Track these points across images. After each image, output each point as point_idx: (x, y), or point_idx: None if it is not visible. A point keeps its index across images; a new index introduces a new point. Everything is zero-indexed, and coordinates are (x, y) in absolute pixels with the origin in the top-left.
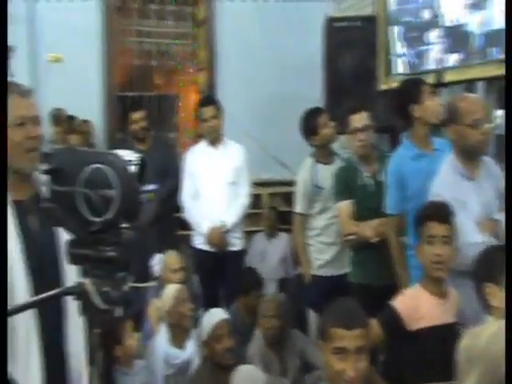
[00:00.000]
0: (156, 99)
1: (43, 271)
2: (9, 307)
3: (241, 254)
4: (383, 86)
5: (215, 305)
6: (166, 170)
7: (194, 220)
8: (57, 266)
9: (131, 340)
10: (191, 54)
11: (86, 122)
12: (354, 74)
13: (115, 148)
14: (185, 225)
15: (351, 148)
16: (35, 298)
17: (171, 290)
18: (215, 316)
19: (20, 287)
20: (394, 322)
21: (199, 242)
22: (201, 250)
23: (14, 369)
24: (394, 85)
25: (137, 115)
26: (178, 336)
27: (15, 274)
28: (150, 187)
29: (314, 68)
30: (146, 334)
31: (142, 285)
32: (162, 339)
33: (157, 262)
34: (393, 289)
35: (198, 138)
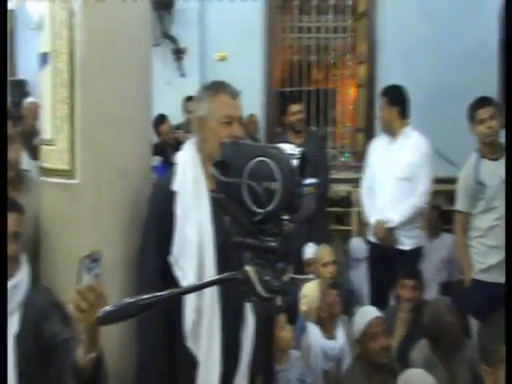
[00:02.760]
0: (314, 93)
1: (230, 255)
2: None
3: (411, 254)
4: None
5: (382, 301)
6: (317, 165)
7: (367, 212)
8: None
9: (285, 332)
10: (351, 47)
11: (251, 115)
12: None
13: (274, 141)
14: (340, 219)
15: None
16: (202, 282)
17: (314, 287)
18: (369, 313)
19: (209, 266)
20: None
21: (370, 234)
22: (371, 242)
23: (197, 349)
24: None
25: (295, 107)
26: (329, 327)
27: (206, 253)
28: (311, 181)
29: (487, 56)
30: (300, 327)
31: (301, 277)
32: (315, 334)
33: (308, 254)
34: None
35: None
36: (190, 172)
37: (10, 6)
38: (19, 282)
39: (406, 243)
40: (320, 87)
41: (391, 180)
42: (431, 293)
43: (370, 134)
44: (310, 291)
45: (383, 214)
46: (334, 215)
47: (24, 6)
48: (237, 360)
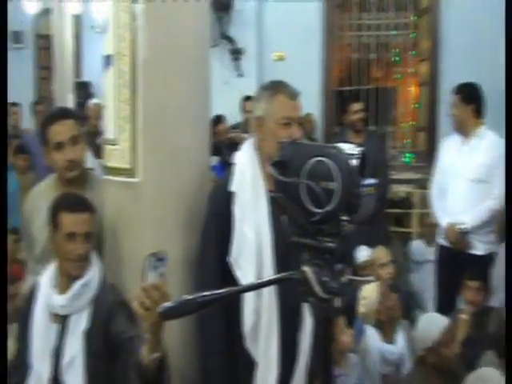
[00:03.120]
0: (374, 92)
1: (288, 255)
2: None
3: (484, 260)
4: None
5: (450, 306)
6: (377, 165)
7: (437, 214)
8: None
9: (345, 336)
10: (412, 44)
11: (308, 114)
12: None
13: (332, 141)
14: (400, 221)
15: None
16: (260, 281)
17: (373, 288)
18: (439, 321)
19: (267, 266)
20: None
21: (441, 237)
22: (441, 246)
23: (255, 350)
24: None
25: (356, 106)
26: (388, 331)
27: (264, 253)
28: (371, 181)
29: None
30: (357, 329)
31: (361, 279)
32: (374, 337)
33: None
34: None
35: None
36: (248, 172)
37: (76, 10)
38: (89, 280)
39: (479, 248)
40: (380, 86)
41: (463, 182)
42: (498, 300)
43: (432, 134)
44: (368, 293)
45: (455, 216)
46: (394, 217)
47: (89, 10)
48: (294, 361)
